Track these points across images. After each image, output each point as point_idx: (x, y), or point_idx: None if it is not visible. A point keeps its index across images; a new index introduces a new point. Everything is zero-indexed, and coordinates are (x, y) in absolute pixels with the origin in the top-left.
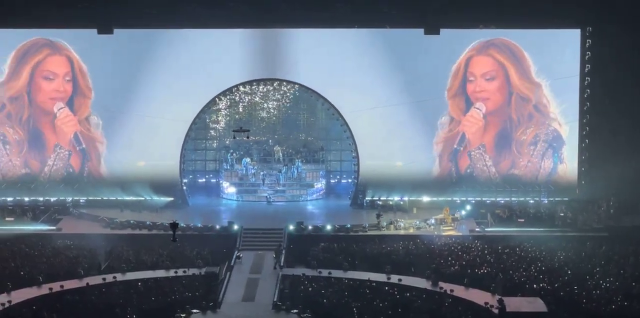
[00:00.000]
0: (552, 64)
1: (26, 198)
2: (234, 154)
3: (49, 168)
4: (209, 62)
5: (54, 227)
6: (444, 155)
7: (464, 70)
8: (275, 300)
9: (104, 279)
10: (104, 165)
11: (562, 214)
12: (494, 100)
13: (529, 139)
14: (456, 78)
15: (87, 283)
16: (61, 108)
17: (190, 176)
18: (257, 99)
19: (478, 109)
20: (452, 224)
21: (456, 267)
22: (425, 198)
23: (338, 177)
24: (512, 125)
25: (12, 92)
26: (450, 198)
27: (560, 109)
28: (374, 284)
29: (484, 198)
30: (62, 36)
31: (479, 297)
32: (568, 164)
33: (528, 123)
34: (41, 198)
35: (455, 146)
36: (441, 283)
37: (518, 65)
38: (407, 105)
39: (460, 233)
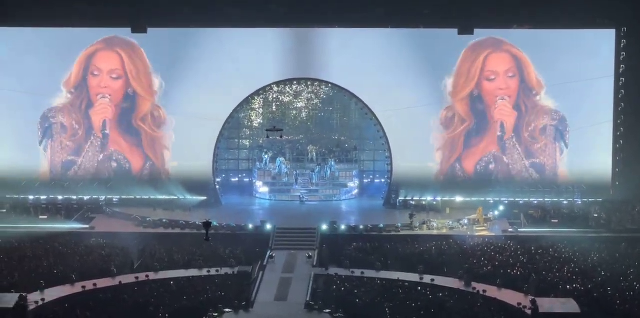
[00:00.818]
0: (585, 64)
1: (60, 197)
2: (268, 153)
3: (84, 154)
4: (242, 61)
5: (87, 226)
6: (450, 156)
7: (481, 68)
8: (307, 299)
9: (136, 278)
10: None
11: (596, 215)
12: (513, 97)
13: (539, 125)
14: (471, 79)
15: (120, 282)
16: (101, 98)
17: (224, 175)
18: (290, 98)
19: (505, 99)
20: (485, 224)
21: (489, 268)
22: (459, 199)
23: (371, 176)
24: (520, 116)
25: (71, 83)
26: (483, 199)
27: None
28: (407, 284)
29: (517, 199)
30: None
31: (512, 297)
32: (571, 151)
33: (535, 112)
34: (74, 197)
35: (498, 133)
36: (474, 284)
37: (528, 63)
38: (440, 105)
39: (494, 234)
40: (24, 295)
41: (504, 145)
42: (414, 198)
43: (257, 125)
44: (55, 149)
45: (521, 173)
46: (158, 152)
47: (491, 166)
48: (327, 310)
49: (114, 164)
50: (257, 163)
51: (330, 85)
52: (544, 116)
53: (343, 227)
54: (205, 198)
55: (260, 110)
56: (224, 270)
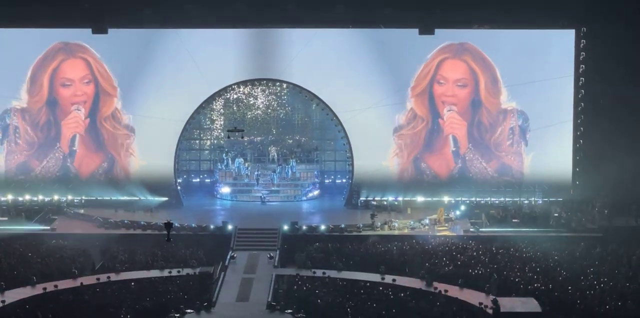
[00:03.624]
0: (544, 64)
1: (20, 198)
2: (229, 154)
3: (41, 167)
4: (203, 62)
5: (48, 227)
6: (408, 155)
7: (435, 71)
8: (269, 300)
9: (98, 279)
10: (130, 164)
11: (556, 214)
12: (461, 105)
13: (505, 135)
14: (425, 78)
15: (81, 283)
16: (75, 110)
17: (185, 176)
18: (251, 98)
19: (453, 110)
20: (446, 224)
21: (450, 267)
22: (420, 199)
23: (332, 177)
24: (482, 129)
25: (35, 101)
26: (444, 199)
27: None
28: (368, 284)
29: (478, 199)
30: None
31: (473, 297)
32: (532, 150)
33: (501, 122)
34: (36, 198)
35: (452, 149)
36: (435, 284)
37: (488, 74)
38: (402, 105)
39: (455, 234)
40: None
41: (463, 160)
42: (375, 199)
43: (218, 125)
44: (11, 151)
45: (488, 180)
46: (121, 150)
47: (465, 172)
48: (289, 311)
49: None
50: (218, 164)
51: (291, 85)
52: (510, 118)
53: (304, 228)
54: (166, 199)
55: (222, 111)
56: (185, 271)
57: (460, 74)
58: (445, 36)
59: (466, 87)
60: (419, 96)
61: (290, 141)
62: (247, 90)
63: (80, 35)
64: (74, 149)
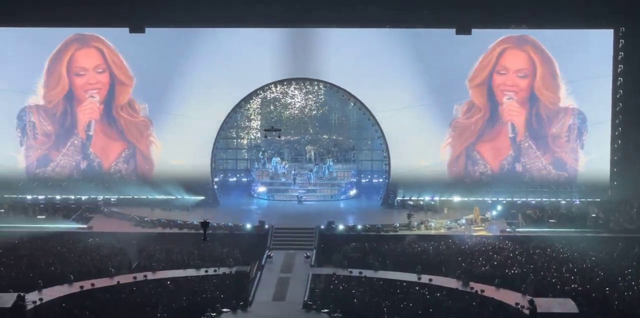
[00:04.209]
0: (583, 64)
1: (57, 197)
2: (266, 153)
3: (62, 155)
4: (240, 61)
5: (85, 226)
6: (461, 144)
7: (495, 61)
8: (305, 299)
9: (134, 278)
10: (149, 156)
11: (594, 215)
12: (520, 96)
13: (564, 130)
14: (485, 68)
15: (118, 282)
16: (89, 97)
17: (222, 175)
18: (288, 98)
19: (512, 99)
20: (483, 224)
21: (487, 267)
22: (457, 198)
23: (369, 176)
24: (541, 121)
25: (57, 93)
26: (481, 199)
27: (585, 109)
28: (405, 284)
29: (515, 199)
30: (95, 31)
31: (510, 297)
32: (587, 151)
33: (560, 118)
34: (72, 197)
35: (510, 135)
36: (472, 284)
37: (549, 67)
38: (438, 105)
39: (491, 234)
40: (22, 294)
41: (518, 147)
42: (412, 198)
43: (255, 125)
44: (30, 147)
45: (540, 172)
46: (140, 139)
47: (517, 165)
48: (325, 310)
49: (84, 163)
50: (255, 163)
51: (328, 85)
52: (570, 116)
53: (341, 227)
54: (203, 198)
55: (258, 110)
56: (221, 270)
57: (521, 64)
58: (483, 36)
59: (527, 78)
60: (478, 87)
61: (327, 140)
62: (284, 89)
63: (100, 32)
64: (90, 133)
